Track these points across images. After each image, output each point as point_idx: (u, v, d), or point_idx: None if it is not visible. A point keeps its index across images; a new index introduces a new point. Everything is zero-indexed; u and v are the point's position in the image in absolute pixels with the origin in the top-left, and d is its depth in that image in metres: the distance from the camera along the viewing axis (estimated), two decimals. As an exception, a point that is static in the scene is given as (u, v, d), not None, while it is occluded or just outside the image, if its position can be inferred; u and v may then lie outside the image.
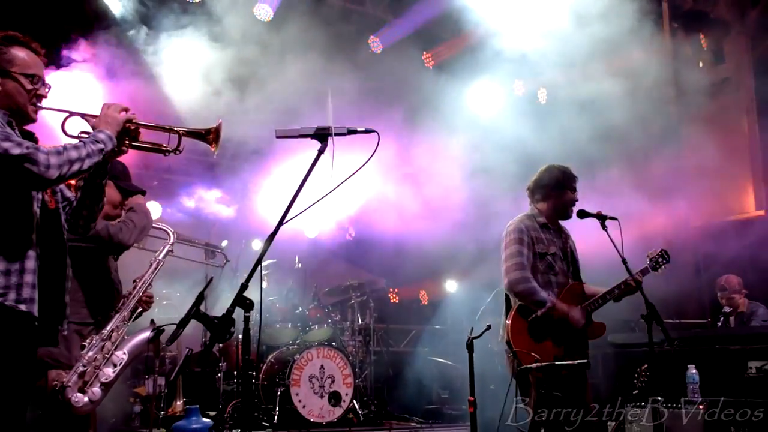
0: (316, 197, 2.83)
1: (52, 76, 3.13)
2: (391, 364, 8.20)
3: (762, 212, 8.60)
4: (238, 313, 2.65)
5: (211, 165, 8.74)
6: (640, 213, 7.04)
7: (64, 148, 2.71)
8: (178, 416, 5.89)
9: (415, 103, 8.14)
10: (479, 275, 7.33)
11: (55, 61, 6.20)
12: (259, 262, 2.72)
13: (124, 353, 3.79)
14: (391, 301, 9.68)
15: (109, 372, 3.67)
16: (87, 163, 2.75)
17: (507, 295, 4.48)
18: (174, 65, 7.04)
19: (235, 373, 6.70)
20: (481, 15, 7.74)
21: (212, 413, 6.21)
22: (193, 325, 2.74)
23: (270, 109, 6.78)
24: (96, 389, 3.61)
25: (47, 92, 2.93)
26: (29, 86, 2.83)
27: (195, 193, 8.80)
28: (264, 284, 6.39)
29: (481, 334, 4.13)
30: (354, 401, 6.57)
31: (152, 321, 4.11)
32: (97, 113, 2.96)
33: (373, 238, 8.39)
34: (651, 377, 4.99)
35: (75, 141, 2.83)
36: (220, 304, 6.63)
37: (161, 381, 6.07)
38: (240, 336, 5.68)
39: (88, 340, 3.73)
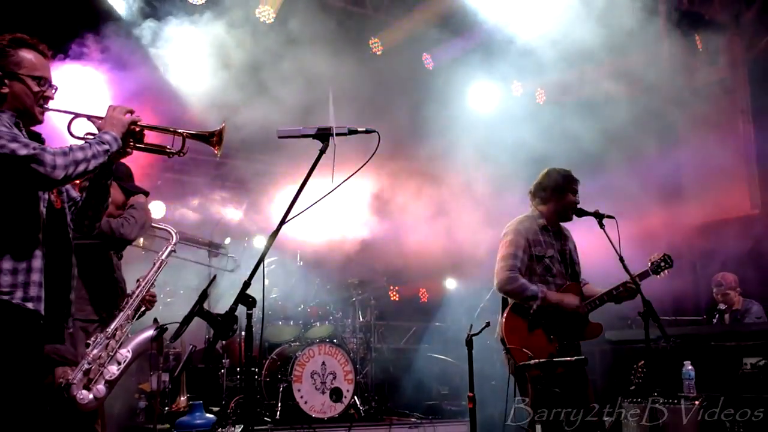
0: (317, 196, 2.88)
1: (59, 71, 3.16)
2: (391, 360, 8.22)
3: (757, 211, 8.64)
4: (241, 311, 2.68)
5: (215, 164, 8.78)
6: (637, 212, 7.09)
7: (70, 149, 2.74)
8: (182, 412, 5.93)
9: (417, 103, 8.17)
10: (479, 274, 7.37)
11: (63, 52, 6.23)
12: (261, 259, 2.76)
13: (128, 351, 3.84)
14: (392, 298, 9.72)
15: (113, 370, 3.73)
16: (92, 164, 2.78)
17: None
18: (174, 64, 7.09)
19: (238, 369, 6.74)
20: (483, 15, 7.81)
21: (215, 409, 6.23)
22: (197, 323, 2.77)
23: (273, 108, 6.82)
24: (100, 386, 3.66)
25: (54, 94, 2.96)
26: (36, 88, 2.86)
27: (199, 192, 8.85)
28: (266, 281, 6.43)
29: (480, 331, 4.18)
30: (355, 397, 6.59)
31: (155, 320, 4.17)
32: (103, 115, 2.98)
33: (373, 237, 8.42)
34: (647, 373, 5.03)
35: (81, 142, 2.85)
36: (223, 302, 6.67)
37: (165, 377, 6.11)
38: (243, 333, 5.77)
39: (92, 338, 3.77)
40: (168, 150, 3.10)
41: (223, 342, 6.73)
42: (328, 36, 7.33)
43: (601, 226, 4.36)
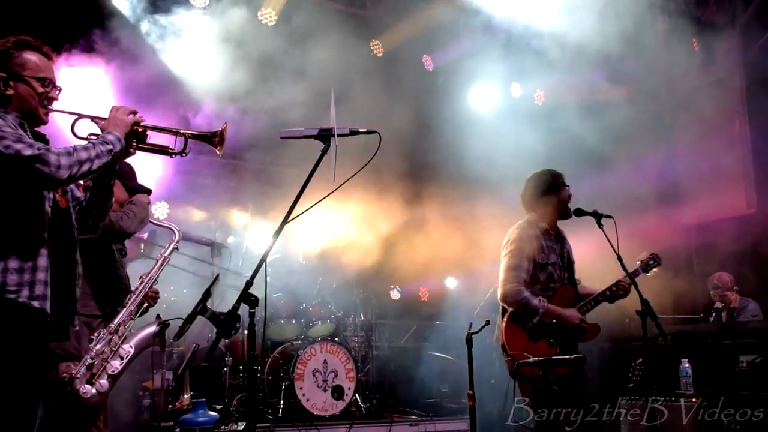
0: (320, 195, 2.92)
1: (62, 70, 3.18)
2: (392, 359, 8.25)
3: (753, 211, 8.66)
4: (243, 309, 2.72)
5: (220, 164, 8.80)
6: (635, 212, 7.11)
7: (74, 149, 2.76)
8: (185, 409, 5.96)
9: (419, 105, 8.21)
10: (479, 273, 7.40)
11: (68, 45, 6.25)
12: (263, 259, 2.80)
13: (131, 347, 3.88)
14: (393, 297, 9.77)
15: (116, 365, 3.77)
16: (96, 164, 2.81)
17: None
18: (173, 64, 7.13)
19: (241, 367, 6.76)
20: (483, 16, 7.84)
21: (218, 406, 6.26)
22: (200, 321, 2.80)
23: (273, 108, 6.85)
24: (104, 381, 3.70)
25: (58, 95, 2.99)
26: (40, 89, 2.89)
27: (202, 191, 8.87)
28: (268, 280, 6.45)
29: (479, 330, 4.22)
30: (356, 395, 6.62)
31: (158, 316, 4.21)
32: (106, 115, 3.02)
33: (373, 237, 8.45)
34: (645, 371, 5.06)
35: (85, 142, 2.87)
36: (225, 301, 6.70)
37: (169, 375, 6.14)
38: (245, 332, 5.80)
39: (96, 334, 3.81)
40: (170, 150, 3.14)
41: (226, 341, 6.76)
42: (329, 37, 7.36)
43: (600, 226, 4.37)
